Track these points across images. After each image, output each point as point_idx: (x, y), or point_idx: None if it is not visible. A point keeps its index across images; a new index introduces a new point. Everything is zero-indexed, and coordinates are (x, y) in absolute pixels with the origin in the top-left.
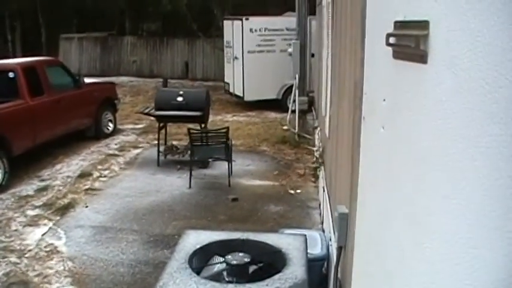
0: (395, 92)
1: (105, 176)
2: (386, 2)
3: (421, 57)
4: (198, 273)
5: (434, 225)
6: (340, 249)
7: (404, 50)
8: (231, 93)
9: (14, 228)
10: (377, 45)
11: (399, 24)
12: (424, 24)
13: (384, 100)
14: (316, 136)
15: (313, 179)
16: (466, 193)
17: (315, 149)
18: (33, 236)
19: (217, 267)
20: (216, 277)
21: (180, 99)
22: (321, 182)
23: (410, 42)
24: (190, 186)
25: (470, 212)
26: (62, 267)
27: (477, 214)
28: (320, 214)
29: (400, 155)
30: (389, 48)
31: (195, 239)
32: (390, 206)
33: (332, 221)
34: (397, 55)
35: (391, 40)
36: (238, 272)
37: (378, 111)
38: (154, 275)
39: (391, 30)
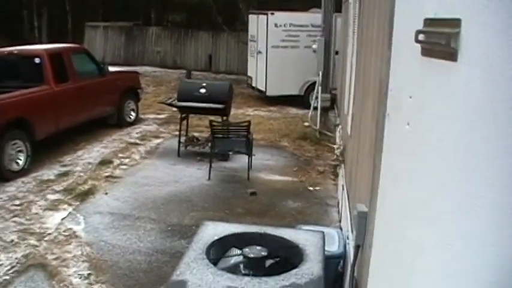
0: (423, 89)
1: (125, 164)
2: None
3: (451, 55)
4: (214, 264)
5: (457, 224)
6: (357, 247)
7: (434, 47)
8: (253, 88)
9: (34, 211)
10: (405, 41)
11: (429, 22)
12: (455, 22)
13: (410, 97)
14: (337, 134)
15: (332, 177)
16: (491, 192)
17: (335, 146)
18: (53, 220)
19: (234, 260)
20: (233, 269)
21: (203, 91)
22: (341, 180)
23: (440, 39)
24: (209, 178)
25: (494, 211)
26: (80, 252)
27: (501, 213)
28: (338, 212)
29: (425, 152)
30: (418, 45)
31: (213, 230)
32: (412, 204)
33: (350, 220)
34: (426, 52)
35: (421, 37)
36: (254, 265)
37: (404, 108)
38: (170, 264)
39: (420, 27)
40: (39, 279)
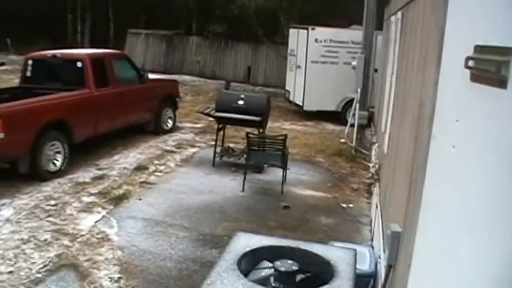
0: (470, 114)
1: (160, 171)
2: (466, 25)
3: (501, 83)
4: (245, 275)
5: (503, 248)
6: (389, 267)
7: (484, 74)
8: (290, 101)
9: (69, 212)
10: (454, 66)
11: (479, 48)
12: (505, 51)
13: (457, 121)
14: (373, 152)
15: (366, 195)
16: None
17: (371, 164)
18: (87, 222)
19: (265, 272)
20: (263, 282)
21: (240, 102)
22: (375, 199)
23: (490, 67)
24: (243, 190)
25: None
26: (111, 255)
27: None
28: (370, 231)
29: (470, 175)
30: (467, 71)
31: (245, 241)
32: (456, 227)
33: (383, 239)
34: (475, 78)
35: (470, 63)
36: (285, 279)
37: (450, 131)
38: (200, 273)
39: (470, 53)
40: (70, 280)
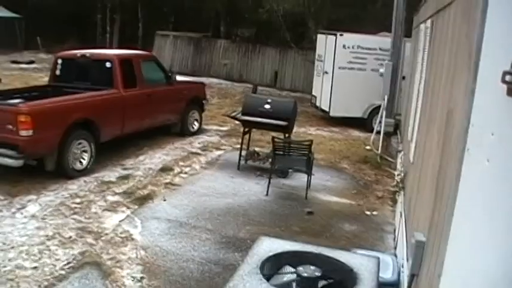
0: (506, 127)
1: (185, 173)
2: (504, 39)
3: None
4: (268, 280)
5: None
6: (412, 276)
7: None
8: (317, 107)
9: (93, 210)
10: (490, 79)
11: None
12: None
13: (493, 134)
14: (399, 160)
15: (391, 203)
16: None
17: (396, 172)
18: (111, 221)
19: (287, 277)
20: (285, 287)
21: (267, 106)
22: (399, 207)
23: None
24: (267, 194)
25: None
26: (135, 255)
27: None
28: (394, 239)
29: (504, 189)
30: (504, 85)
31: (268, 246)
32: (487, 240)
33: (406, 248)
34: None
35: (508, 78)
36: (307, 285)
37: (485, 144)
38: (222, 275)
39: (507, 68)
40: (93, 278)
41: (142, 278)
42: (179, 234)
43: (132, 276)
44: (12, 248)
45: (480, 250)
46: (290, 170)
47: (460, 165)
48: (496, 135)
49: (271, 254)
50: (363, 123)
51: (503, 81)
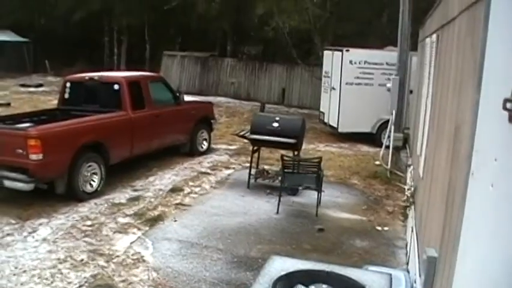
0: (509, 154)
1: (195, 193)
2: (504, 68)
3: None
4: None
5: None
6: None
7: None
8: (325, 123)
9: (105, 233)
10: (492, 107)
11: None
12: None
13: (495, 160)
14: (409, 174)
15: (402, 218)
16: None
17: (406, 187)
18: (122, 242)
19: None
20: None
21: (275, 125)
22: (410, 222)
23: None
24: (277, 212)
25: None
26: (147, 277)
27: None
28: (406, 254)
29: (508, 214)
30: (506, 113)
31: (280, 265)
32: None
33: (419, 263)
34: None
35: (509, 105)
36: None
37: (488, 169)
38: None
39: (508, 95)
40: None
41: None
42: (190, 255)
43: None
44: (24, 272)
45: (488, 266)
46: (300, 188)
47: (466, 188)
48: (499, 160)
49: (283, 273)
50: (371, 138)
51: (505, 108)
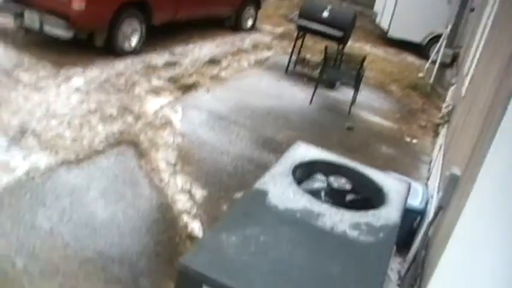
0: None
1: (232, 68)
2: None
3: None
4: (298, 183)
5: None
6: (439, 208)
7: None
8: (376, 24)
9: (137, 92)
10: None
11: None
12: None
13: None
14: (450, 93)
15: (432, 134)
16: None
17: (444, 105)
18: (153, 104)
19: (317, 185)
20: (314, 193)
21: (325, 14)
22: (440, 140)
23: None
24: (311, 103)
25: None
26: (172, 140)
27: None
28: (428, 170)
29: None
30: None
31: (304, 152)
32: None
33: (439, 181)
34: None
35: None
36: (336, 196)
37: None
38: (254, 173)
39: None
40: (129, 156)
41: (176, 163)
42: (218, 127)
43: (167, 160)
44: (54, 117)
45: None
46: (338, 82)
47: (504, 111)
48: None
49: (305, 159)
50: (419, 50)
51: None
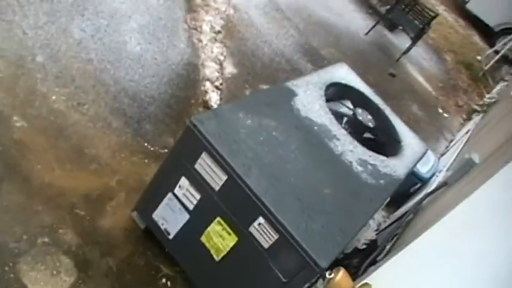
0: None
1: None
2: None
3: None
4: (326, 101)
5: None
6: (444, 184)
7: None
8: None
9: None
10: None
11: None
12: None
13: None
14: (498, 87)
15: (465, 117)
16: None
17: (488, 95)
18: None
19: (343, 110)
20: (337, 115)
21: None
22: (470, 125)
23: None
24: (367, 34)
25: None
26: (224, 9)
27: None
28: (446, 147)
29: None
30: None
31: (345, 74)
32: None
33: (453, 161)
34: None
35: None
36: (356, 128)
37: None
38: (287, 74)
39: None
40: (179, 4)
41: (219, 31)
42: (272, 17)
43: (212, 25)
44: None
45: None
46: (399, 27)
47: None
48: None
49: (342, 81)
50: (488, 34)
51: None
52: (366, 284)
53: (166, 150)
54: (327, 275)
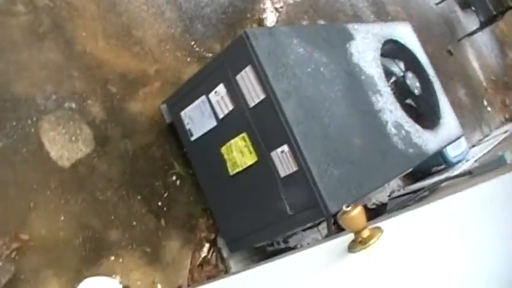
0: None
1: None
2: None
3: None
4: (381, 55)
5: None
6: (468, 173)
7: None
8: None
9: None
10: None
11: None
12: None
13: None
14: None
15: (506, 116)
16: None
17: None
18: None
19: (394, 69)
20: (387, 72)
21: None
22: (508, 126)
23: None
24: (438, 4)
25: None
26: None
27: None
28: (480, 140)
29: None
30: None
31: (406, 34)
32: None
33: (483, 154)
34: None
35: None
36: (400, 90)
37: None
38: (346, 19)
39: None
40: None
41: None
42: None
43: None
44: None
45: None
46: (472, 9)
47: None
48: None
49: (401, 41)
50: None
51: None
52: (379, 227)
53: (210, 55)
54: (344, 207)
